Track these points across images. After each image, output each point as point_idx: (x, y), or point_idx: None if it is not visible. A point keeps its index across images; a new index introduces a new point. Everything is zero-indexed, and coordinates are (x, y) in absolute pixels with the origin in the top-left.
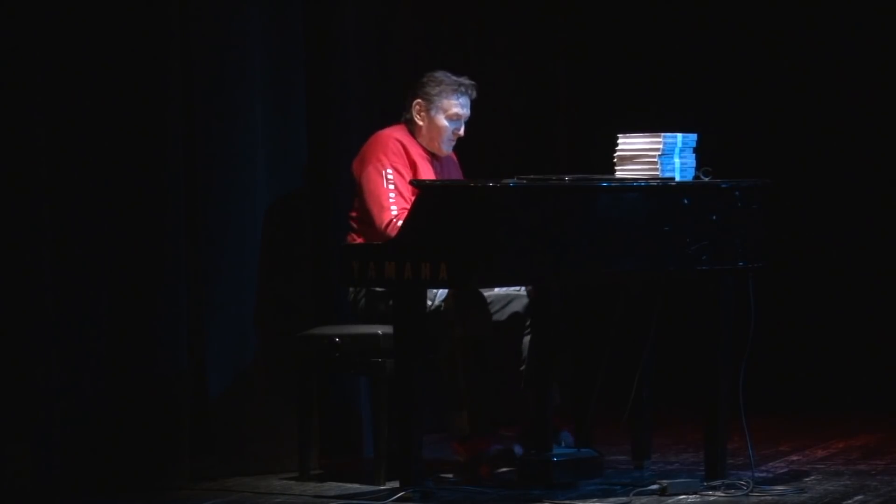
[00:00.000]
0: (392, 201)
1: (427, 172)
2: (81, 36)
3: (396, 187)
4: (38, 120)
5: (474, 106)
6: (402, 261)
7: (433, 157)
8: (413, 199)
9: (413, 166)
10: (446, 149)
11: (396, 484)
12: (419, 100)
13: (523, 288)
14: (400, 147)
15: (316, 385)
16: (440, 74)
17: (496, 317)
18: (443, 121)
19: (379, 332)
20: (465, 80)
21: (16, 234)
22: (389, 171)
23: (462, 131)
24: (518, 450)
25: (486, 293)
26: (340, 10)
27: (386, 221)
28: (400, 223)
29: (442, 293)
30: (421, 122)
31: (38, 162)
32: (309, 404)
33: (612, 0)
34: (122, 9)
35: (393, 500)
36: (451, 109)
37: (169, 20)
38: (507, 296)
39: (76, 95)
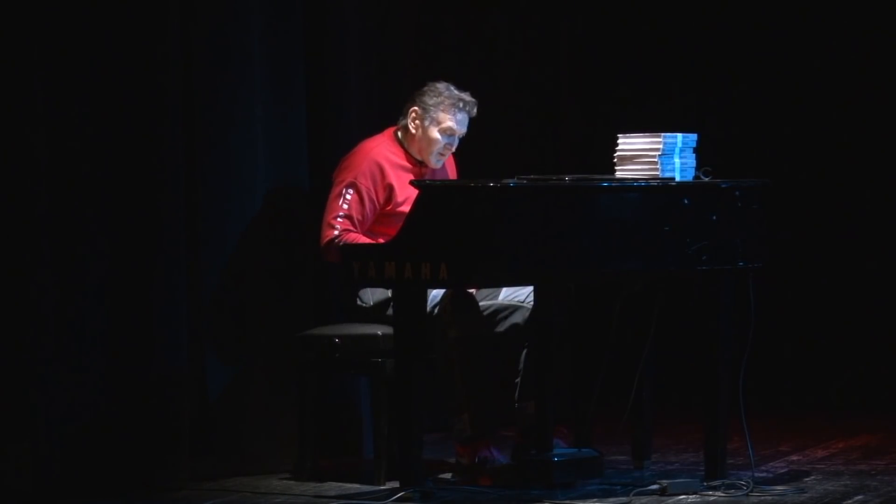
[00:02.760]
0: (339, 220)
1: (405, 191)
2: (81, 35)
3: (350, 207)
4: (37, 119)
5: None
6: (402, 261)
7: (422, 167)
8: (365, 223)
9: (388, 189)
10: (435, 162)
11: (396, 484)
12: (416, 108)
13: (526, 299)
14: (376, 169)
15: (316, 385)
16: (442, 86)
17: (497, 328)
18: (435, 133)
19: (379, 332)
20: (467, 97)
21: (15, 234)
22: (350, 190)
23: (455, 147)
24: (502, 459)
25: (489, 303)
26: (340, 8)
27: (326, 239)
28: (341, 244)
29: (435, 298)
30: (414, 131)
31: (37, 161)
32: (309, 404)
33: (613, 0)
34: (122, 7)
35: (393, 500)
36: (445, 123)
37: (169, 19)
38: (510, 306)
39: (75, 94)
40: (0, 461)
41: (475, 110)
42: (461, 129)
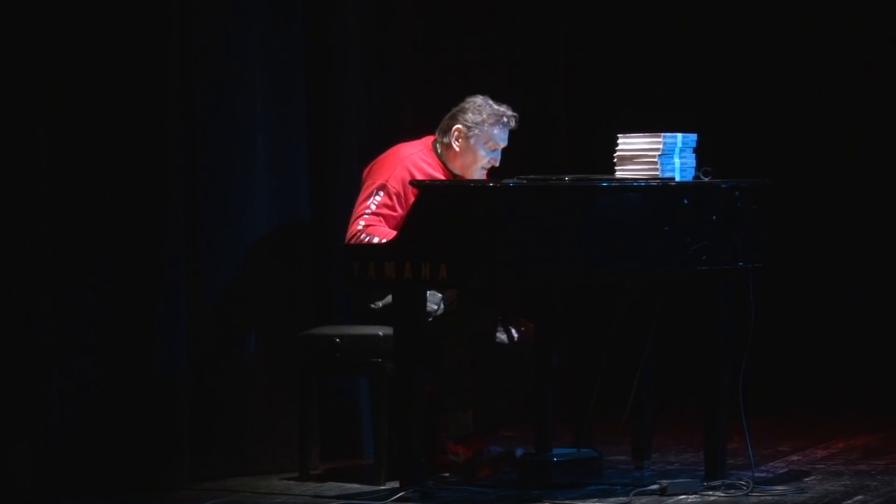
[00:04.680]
0: (366, 217)
1: None
2: (82, 36)
3: (378, 208)
4: (38, 119)
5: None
6: (402, 261)
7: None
8: (390, 224)
9: None
10: (478, 177)
11: (396, 484)
12: (459, 126)
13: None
14: (409, 176)
15: (316, 385)
16: (481, 101)
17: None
18: (481, 150)
19: (379, 332)
20: (509, 111)
21: (15, 234)
22: (380, 192)
23: (498, 162)
24: (519, 451)
25: None
26: (340, 11)
27: (352, 233)
28: (364, 237)
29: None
30: (458, 149)
31: (38, 162)
32: (309, 404)
33: (612, 0)
34: (122, 9)
35: (393, 500)
36: (491, 140)
37: (169, 20)
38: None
39: (76, 96)
40: (0, 461)
41: (516, 124)
42: (504, 144)
